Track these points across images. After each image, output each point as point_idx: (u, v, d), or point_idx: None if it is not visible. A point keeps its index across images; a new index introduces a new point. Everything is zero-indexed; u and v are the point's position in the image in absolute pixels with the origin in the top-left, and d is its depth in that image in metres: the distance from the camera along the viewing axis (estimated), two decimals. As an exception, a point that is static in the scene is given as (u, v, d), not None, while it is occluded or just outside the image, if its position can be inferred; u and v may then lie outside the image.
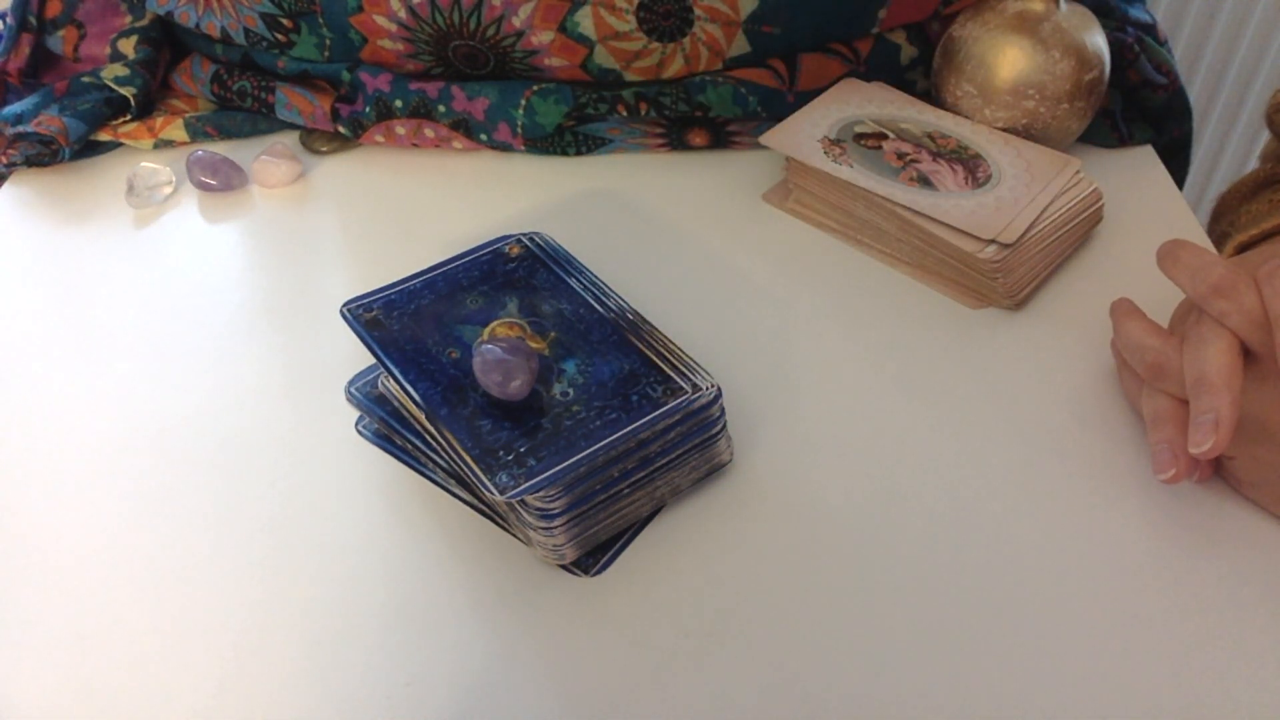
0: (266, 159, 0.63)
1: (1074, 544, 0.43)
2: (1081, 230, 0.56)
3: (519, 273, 0.48)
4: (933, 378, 0.50)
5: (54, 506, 0.45)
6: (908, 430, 0.48)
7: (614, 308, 0.46)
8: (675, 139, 0.64)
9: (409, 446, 0.46)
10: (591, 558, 0.43)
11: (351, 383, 0.48)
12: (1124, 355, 0.46)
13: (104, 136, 0.65)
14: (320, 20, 0.62)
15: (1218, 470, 0.45)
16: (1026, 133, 0.59)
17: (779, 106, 0.63)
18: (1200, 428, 0.40)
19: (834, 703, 0.38)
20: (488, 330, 0.45)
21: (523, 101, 0.62)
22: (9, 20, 0.69)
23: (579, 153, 0.64)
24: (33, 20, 0.69)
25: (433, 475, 0.46)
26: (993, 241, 0.52)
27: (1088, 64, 0.58)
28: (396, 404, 0.46)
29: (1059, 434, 0.47)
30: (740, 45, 0.61)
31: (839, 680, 0.39)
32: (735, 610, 0.41)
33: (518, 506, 0.41)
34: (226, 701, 0.38)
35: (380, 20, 0.61)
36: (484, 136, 0.63)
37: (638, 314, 0.46)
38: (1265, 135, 1.34)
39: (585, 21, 0.59)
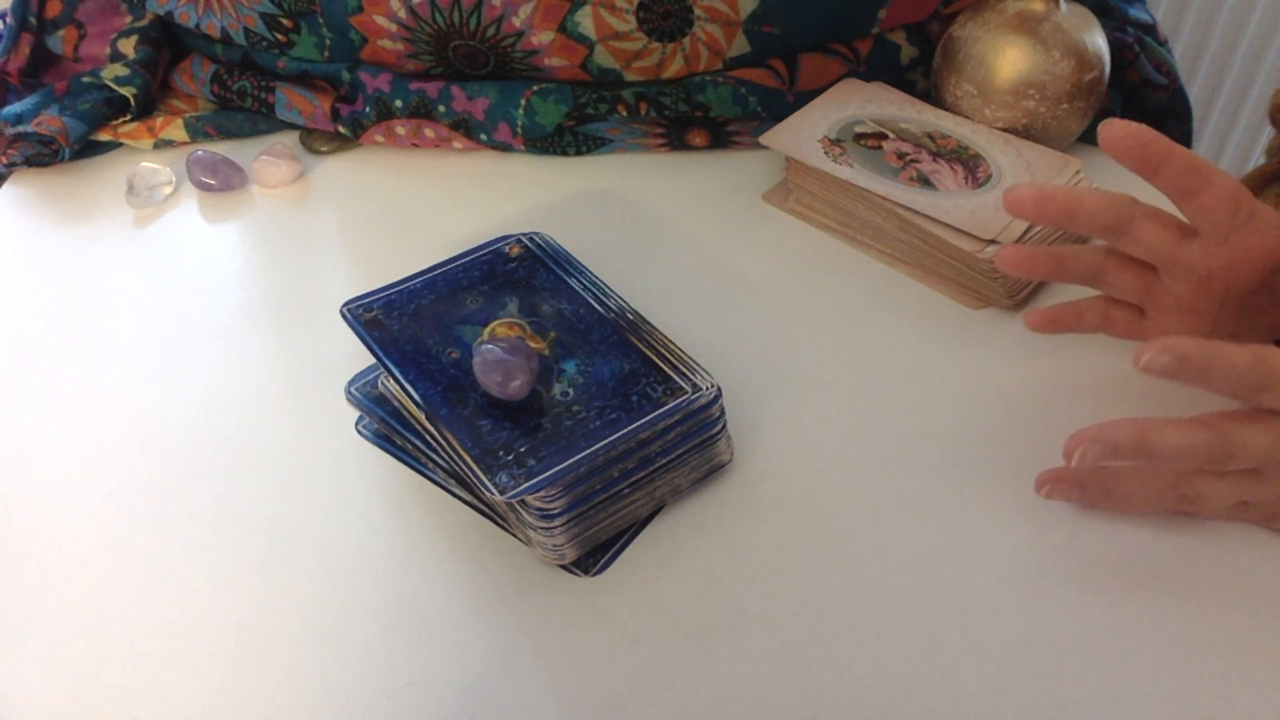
0: (266, 159, 0.63)
1: (1074, 543, 0.43)
2: (1081, 230, 0.56)
3: (519, 273, 0.48)
4: (933, 378, 0.50)
5: (54, 506, 0.45)
6: (908, 430, 0.48)
7: (614, 308, 0.46)
8: (675, 139, 0.64)
9: (409, 446, 0.46)
10: (591, 558, 0.43)
11: (351, 383, 0.48)
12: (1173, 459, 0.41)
13: (104, 136, 0.65)
14: (320, 20, 0.62)
15: (1242, 519, 0.44)
16: (1026, 133, 0.59)
17: (779, 106, 0.63)
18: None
19: (834, 702, 0.38)
20: (488, 330, 0.45)
21: (523, 101, 0.62)
22: (9, 20, 0.69)
23: (579, 153, 0.64)
24: (33, 20, 0.69)
25: (433, 475, 0.46)
26: (993, 241, 0.52)
27: (1088, 64, 0.58)
28: (396, 404, 0.46)
29: (1059, 434, 0.47)
30: (740, 45, 0.61)
31: (838, 679, 0.39)
32: (735, 610, 0.41)
33: (518, 506, 0.41)
34: (226, 701, 0.38)
35: (380, 20, 0.61)
36: (484, 136, 0.63)
37: (638, 314, 0.46)
38: (1265, 135, 1.34)
39: (585, 21, 0.59)
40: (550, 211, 0.61)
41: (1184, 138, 0.67)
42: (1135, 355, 0.38)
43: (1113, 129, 0.42)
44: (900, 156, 0.57)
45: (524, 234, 0.50)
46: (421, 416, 0.42)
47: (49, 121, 0.63)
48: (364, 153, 0.66)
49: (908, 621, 0.41)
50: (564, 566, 0.42)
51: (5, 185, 0.64)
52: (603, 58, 0.61)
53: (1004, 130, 0.59)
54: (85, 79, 0.65)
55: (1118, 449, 0.40)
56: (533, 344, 0.44)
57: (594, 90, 0.62)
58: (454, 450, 0.41)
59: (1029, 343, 0.52)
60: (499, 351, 0.41)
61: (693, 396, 0.42)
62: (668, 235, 0.59)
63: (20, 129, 0.63)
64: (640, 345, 0.44)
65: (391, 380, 0.44)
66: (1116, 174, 0.62)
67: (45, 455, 0.48)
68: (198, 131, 0.66)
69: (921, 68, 0.66)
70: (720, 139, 0.64)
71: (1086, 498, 0.44)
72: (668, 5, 0.59)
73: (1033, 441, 0.47)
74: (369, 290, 0.47)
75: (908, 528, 0.44)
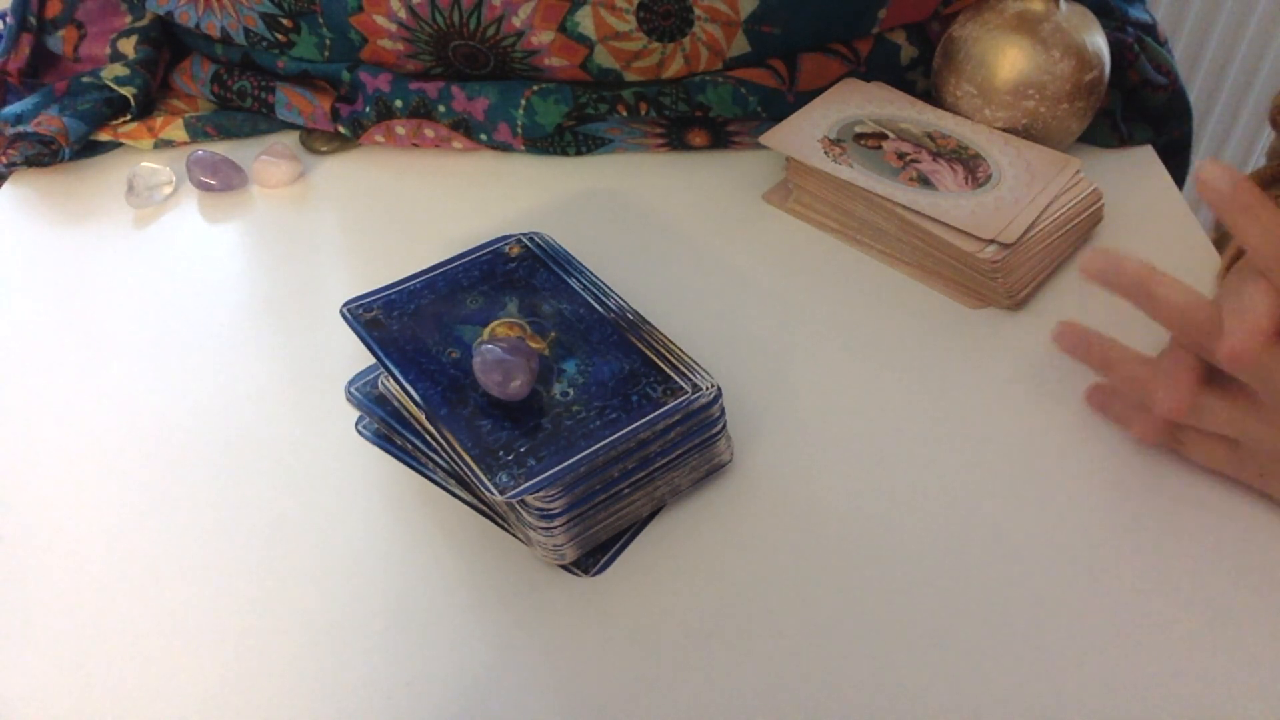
0: (266, 159, 0.63)
1: (1072, 544, 0.43)
2: (1081, 230, 0.56)
3: (519, 273, 0.48)
4: (932, 378, 0.50)
5: (54, 506, 0.45)
6: (907, 430, 0.48)
7: (614, 308, 0.46)
8: (675, 139, 0.64)
9: (409, 446, 0.46)
10: (591, 558, 0.43)
11: (351, 383, 0.48)
12: (1168, 322, 0.42)
13: (104, 136, 0.65)
14: (320, 20, 0.63)
15: (1223, 471, 0.44)
16: (1026, 133, 0.59)
17: (779, 106, 0.63)
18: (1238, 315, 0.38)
19: (834, 702, 0.38)
20: (488, 330, 0.45)
21: (523, 101, 0.62)
22: (9, 20, 0.69)
23: (579, 153, 0.64)
24: (33, 20, 0.69)
25: (433, 475, 0.46)
26: (993, 241, 0.52)
27: (1088, 64, 0.58)
28: (396, 404, 0.46)
29: (1058, 434, 0.47)
30: (740, 45, 0.61)
31: (838, 679, 0.39)
32: (735, 610, 0.41)
33: (518, 506, 0.41)
34: (226, 701, 0.38)
35: (380, 20, 0.61)
36: (484, 136, 0.64)
37: (638, 314, 0.46)
38: (1265, 135, 1.34)
39: (585, 21, 0.59)
40: (550, 211, 0.61)
41: (1184, 138, 0.67)
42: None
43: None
44: (900, 156, 0.57)
45: (524, 234, 0.50)
46: (421, 416, 0.42)
47: (49, 121, 0.63)
48: (364, 153, 0.66)
49: (908, 620, 0.41)
50: (564, 566, 0.42)
51: (5, 185, 0.64)
52: (603, 58, 0.61)
53: (1004, 130, 0.59)
54: (85, 79, 0.65)
55: (1121, 275, 0.40)
56: (533, 344, 0.44)
57: (594, 90, 0.62)
58: (454, 450, 0.41)
59: (1029, 343, 0.52)
60: (499, 351, 0.41)
61: (693, 396, 0.42)
62: (668, 235, 0.59)
63: (20, 129, 0.63)
64: (640, 345, 0.44)
65: (391, 380, 0.44)
66: (1114, 173, 0.62)
67: (45, 455, 0.48)
68: (198, 131, 0.66)
69: (921, 68, 0.66)
70: (720, 139, 0.64)
71: (1094, 360, 0.44)
72: (668, 5, 0.59)
73: (1031, 440, 0.47)
74: (369, 290, 0.47)
75: (907, 526, 0.44)
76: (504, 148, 0.64)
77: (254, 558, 0.43)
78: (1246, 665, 0.39)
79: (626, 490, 0.42)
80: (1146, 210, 0.60)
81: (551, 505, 0.40)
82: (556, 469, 0.39)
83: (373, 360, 0.47)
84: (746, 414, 0.49)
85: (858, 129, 0.59)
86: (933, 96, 0.63)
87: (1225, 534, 0.43)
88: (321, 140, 0.66)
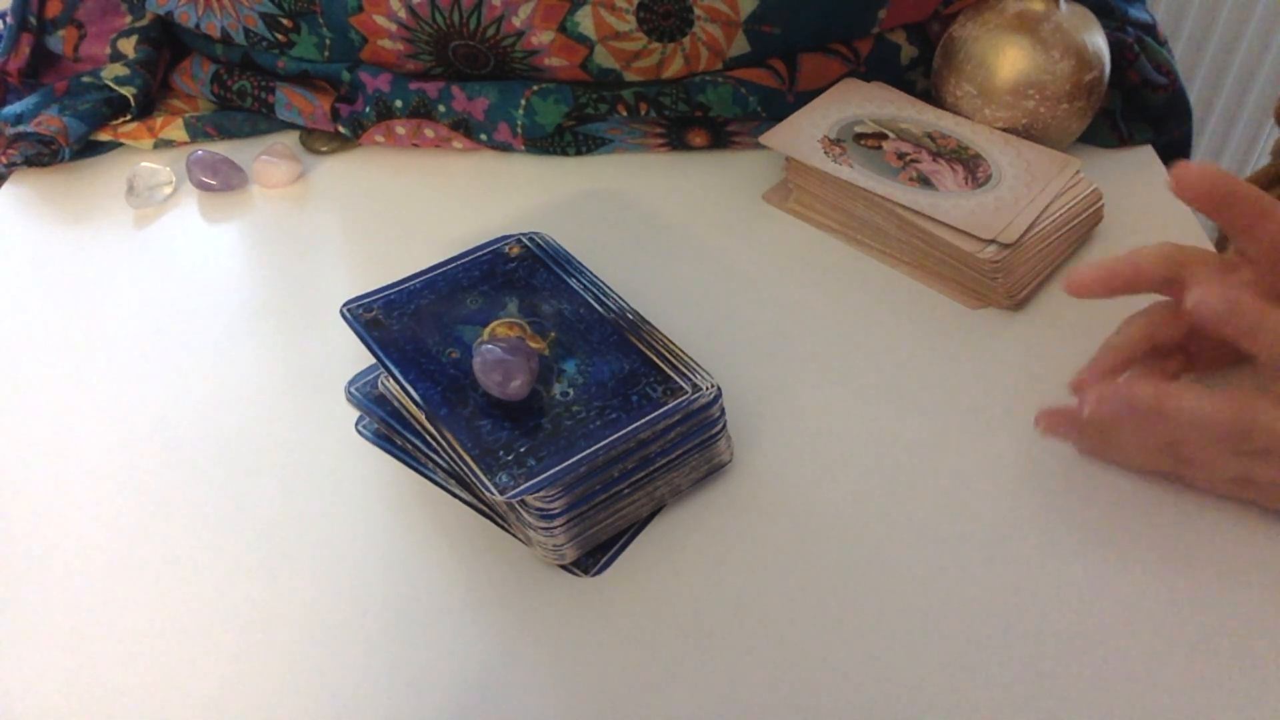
0: (266, 159, 0.63)
1: (1072, 544, 0.43)
2: (1081, 230, 0.56)
3: (519, 273, 0.48)
4: (932, 378, 0.50)
5: (54, 506, 0.45)
6: (907, 430, 0.48)
7: (614, 308, 0.46)
8: (675, 139, 0.64)
9: (409, 446, 0.46)
10: (591, 558, 0.43)
11: (351, 383, 0.48)
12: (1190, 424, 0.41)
13: (104, 136, 0.65)
14: (320, 20, 0.63)
15: (1240, 496, 0.44)
16: (1026, 133, 0.59)
17: (779, 106, 0.63)
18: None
19: (833, 701, 0.38)
20: (488, 330, 0.45)
21: (523, 101, 0.62)
22: (9, 20, 0.69)
23: (579, 153, 0.64)
24: (33, 20, 0.69)
25: (433, 475, 0.46)
26: (993, 241, 0.52)
27: (1088, 64, 0.58)
28: (396, 404, 0.46)
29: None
30: (740, 45, 0.61)
31: (838, 679, 0.39)
32: (735, 610, 0.41)
33: (518, 506, 0.41)
34: (227, 701, 0.38)
35: (380, 20, 0.61)
36: (484, 136, 0.64)
37: (638, 314, 0.46)
38: (1265, 136, 1.34)
39: (585, 21, 0.59)
40: (550, 211, 0.61)
41: (1184, 138, 0.67)
42: (1189, 298, 0.38)
43: (1187, 174, 0.41)
44: (900, 156, 0.57)
45: (524, 234, 0.50)
46: (421, 416, 0.42)
47: (49, 121, 0.63)
48: (364, 153, 0.66)
49: (908, 620, 0.41)
50: (564, 566, 0.43)
51: (5, 185, 0.64)
52: (603, 58, 0.61)
53: (1004, 130, 0.59)
54: (85, 79, 0.66)
55: (1134, 409, 0.39)
56: (533, 344, 0.44)
57: (594, 90, 0.62)
58: (454, 450, 0.41)
59: (1029, 343, 0.52)
60: (499, 351, 0.41)
61: (693, 396, 0.42)
62: (668, 235, 0.59)
63: (20, 129, 0.63)
64: (640, 345, 0.44)
65: (391, 380, 0.44)
66: (1114, 173, 0.62)
67: (45, 455, 0.48)
68: (198, 131, 0.66)
69: (921, 68, 0.66)
70: (720, 139, 0.64)
71: (1084, 442, 0.44)
72: (668, 5, 0.59)
73: (1032, 441, 0.47)
74: (369, 290, 0.47)
75: (907, 527, 0.44)
76: (504, 148, 0.64)
77: (254, 558, 0.43)
78: (1248, 669, 0.39)
79: (626, 490, 0.42)
80: (1146, 210, 0.60)
81: (551, 505, 0.40)
82: (556, 469, 0.39)
83: (373, 360, 0.47)
84: (746, 414, 0.49)
85: (858, 129, 0.59)
86: (933, 96, 0.63)
87: (1228, 536, 0.43)
88: (321, 140, 0.66)
